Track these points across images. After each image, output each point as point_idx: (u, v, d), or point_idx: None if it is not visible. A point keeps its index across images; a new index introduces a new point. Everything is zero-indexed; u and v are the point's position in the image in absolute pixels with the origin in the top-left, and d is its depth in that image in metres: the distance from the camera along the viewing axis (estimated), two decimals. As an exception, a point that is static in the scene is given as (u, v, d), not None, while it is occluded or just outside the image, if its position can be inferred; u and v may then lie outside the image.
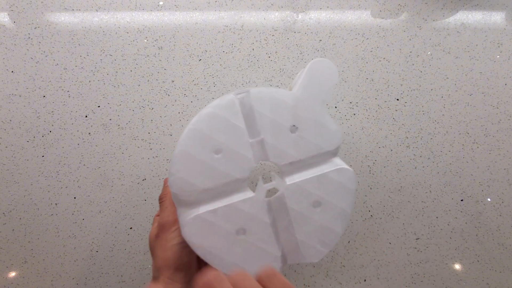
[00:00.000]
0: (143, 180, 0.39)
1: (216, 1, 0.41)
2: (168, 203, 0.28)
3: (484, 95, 0.41)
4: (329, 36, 0.42)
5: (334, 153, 0.28)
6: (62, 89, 0.40)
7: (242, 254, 0.25)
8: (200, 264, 0.29)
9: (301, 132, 0.26)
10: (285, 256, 0.27)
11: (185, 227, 0.25)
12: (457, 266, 0.40)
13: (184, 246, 0.26)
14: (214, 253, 0.25)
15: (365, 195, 0.40)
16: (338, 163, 0.28)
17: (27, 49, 0.40)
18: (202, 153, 0.25)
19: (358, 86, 0.41)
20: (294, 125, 0.26)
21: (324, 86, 0.27)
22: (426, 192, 0.40)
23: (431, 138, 0.41)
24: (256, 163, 0.26)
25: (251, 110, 0.26)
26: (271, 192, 0.27)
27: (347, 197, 0.27)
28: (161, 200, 0.30)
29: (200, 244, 0.25)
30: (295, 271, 0.39)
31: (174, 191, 0.25)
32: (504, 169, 0.41)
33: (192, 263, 0.27)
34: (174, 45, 0.41)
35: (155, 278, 0.27)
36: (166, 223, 0.27)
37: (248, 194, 0.26)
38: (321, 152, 0.27)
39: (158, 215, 0.29)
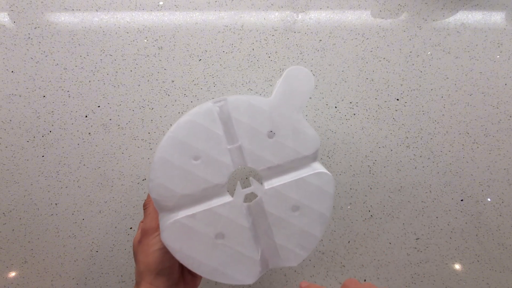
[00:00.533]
0: (143, 180, 0.39)
1: (216, 1, 0.41)
2: (152, 210, 0.29)
3: (484, 95, 0.41)
4: (329, 36, 0.42)
5: (313, 158, 0.28)
6: (62, 89, 0.40)
7: (221, 258, 0.26)
8: (183, 269, 0.29)
9: (278, 137, 0.27)
10: (265, 260, 0.28)
11: (164, 231, 0.25)
12: (457, 266, 0.40)
13: (166, 252, 0.26)
14: (193, 257, 0.25)
15: (365, 195, 0.40)
16: (316, 167, 0.28)
17: (27, 49, 0.40)
18: (180, 160, 0.25)
19: (358, 86, 0.41)
20: (271, 131, 0.27)
21: (300, 93, 0.28)
22: (426, 192, 0.40)
23: (431, 138, 0.41)
24: (235, 169, 0.27)
25: (229, 117, 0.26)
26: (250, 197, 0.27)
27: (325, 201, 0.27)
28: (145, 206, 0.30)
29: (179, 249, 0.25)
30: (295, 271, 0.39)
31: (154, 197, 0.25)
32: (504, 169, 0.41)
33: (174, 268, 0.28)
34: (174, 45, 0.41)
35: (138, 283, 0.27)
36: (148, 229, 0.28)
37: (227, 198, 0.26)
38: (299, 157, 0.27)
39: (142, 222, 0.30)
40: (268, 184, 0.27)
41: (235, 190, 0.27)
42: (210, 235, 0.26)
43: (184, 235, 0.25)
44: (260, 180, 0.28)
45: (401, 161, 0.41)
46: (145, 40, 0.41)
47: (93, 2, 0.41)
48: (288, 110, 0.27)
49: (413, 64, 0.42)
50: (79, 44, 0.40)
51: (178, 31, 0.41)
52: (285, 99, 0.27)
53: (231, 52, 0.41)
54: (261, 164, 0.27)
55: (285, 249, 0.27)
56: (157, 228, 0.27)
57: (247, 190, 0.27)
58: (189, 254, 0.25)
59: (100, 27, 0.40)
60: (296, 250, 0.27)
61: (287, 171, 0.28)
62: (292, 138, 0.27)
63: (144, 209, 0.30)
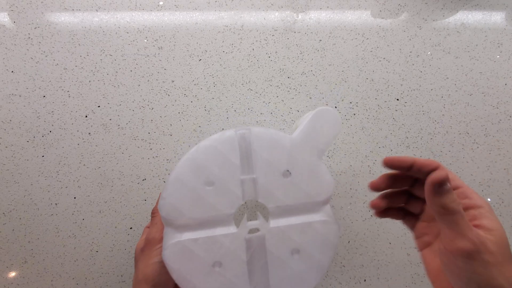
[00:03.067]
0: (143, 180, 0.39)
1: (216, 1, 0.41)
2: (158, 220, 0.29)
3: (484, 95, 0.41)
4: (329, 36, 0.42)
5: (324, 202, 0.28)
6: (62, 89, 0.40)
7: (214, 286, 0.26)
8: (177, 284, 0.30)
9: (293, 178, 0.27)
10: None
11: (166, 250, 0.25)
12: (457, 266, 0.40)
13: (164, 265, 0.27)
14: (188, 280, 0.26)
15: (365, 195, 0.40)
16: (325, 213, 0.28)
17: (27, 49, 0.40)
18: (194, 183, 0.26)
19: (358, 86, 0.41)
20: (288, 170, 0.27)
21: (325, 136, 0.27)
22: (426, 192, 0.40)
23: (431, 138, 0.41)
24: (244, 201, 0.27)
25: (249, 148, 0.26)
26: (254, 230, 0.27)
27: (327, 250, 0.27)
28: (153, 214, 0.31)
29: (177, 269, 0.25)
30: None
31: (162, 214, 0.26)
32: (504, 169, 0.41)
33: (169, 282, 0.28)
34: (174, 45, 0.41)
35: None
36: (152, 239, 0.28)
37: (231, 229, 0.26)
38: (310, 201, 0.27)
39: (148, 227, 0.30)
40: (274, 223, 0.27)
41: (240, 221, 0.26)
42: (208, 262, 0.26)
43: (184, 257, 0.25)
44: (267, 216, 0.27)
45: (401, 161, 0.40)
46: (145, 40, 0.41)
47: (93, 2, 0.41)
48: (309, 152, 0.27)
49: (413, 64, 0.42)
50: (79, 44, 0.40)
51: (178, 31, 0.41)
52: (308, 140, 0.27)
53: (231, 52, 0.41)
54: (271, 201, 0.27)
55: None
56: (160, 240, 0.28)
57: (252, 225, 0.27)
58: (185, 276, 0.25)
59: (100, 27, 0.40)
60: None
61: (296, 212, 0.27)
62: (307, 181, 0.27)
63: (151, 216, 0.31)
